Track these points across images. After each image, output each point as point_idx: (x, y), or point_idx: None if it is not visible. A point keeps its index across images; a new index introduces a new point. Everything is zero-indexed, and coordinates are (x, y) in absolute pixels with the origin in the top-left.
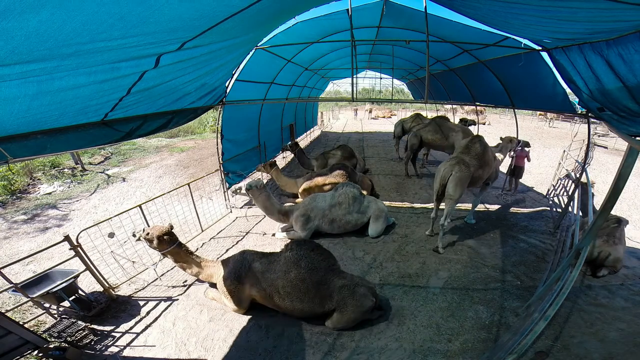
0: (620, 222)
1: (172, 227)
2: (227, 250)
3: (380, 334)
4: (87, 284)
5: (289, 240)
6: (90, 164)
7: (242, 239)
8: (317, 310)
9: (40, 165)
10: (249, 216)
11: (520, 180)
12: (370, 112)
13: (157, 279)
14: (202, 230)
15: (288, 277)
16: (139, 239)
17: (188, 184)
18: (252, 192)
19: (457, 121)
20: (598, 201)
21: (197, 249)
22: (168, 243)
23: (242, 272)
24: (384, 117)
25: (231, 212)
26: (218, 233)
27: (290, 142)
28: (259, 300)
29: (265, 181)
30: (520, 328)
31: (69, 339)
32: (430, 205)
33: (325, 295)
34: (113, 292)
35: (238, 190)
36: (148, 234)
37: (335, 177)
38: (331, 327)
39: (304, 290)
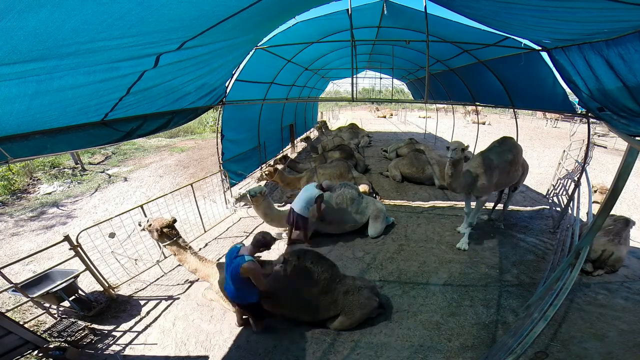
0: (628, 223)
1: (174, 221)
2: None
3: (380, 334)
4: (87, 284)
5: (286, 250)
6: (90, 163)
7: (245, 239)
8: (320, 317)
9: (40, 165)
10: (254, 216)
11: None
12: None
13: (158, 278)
14: (205, 231)
15: (289, 290)
16: (143, 229)
17: (191, 184)
18: (255, 200)
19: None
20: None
21: (199, 249)
22: (168, 236)
23: None
24: (384, 116)
25: (235, 212)
26: (221, 234)
27: (280, 156)
28: None
29: (264, 182)
30: (520, 328)
31: (69, 338)
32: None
33: (329, 303)
34: (113, 292)
35: (242, 198)
36: (151, 225)
37: (335, 169)
38: (333, 327)
39: (306, 301)
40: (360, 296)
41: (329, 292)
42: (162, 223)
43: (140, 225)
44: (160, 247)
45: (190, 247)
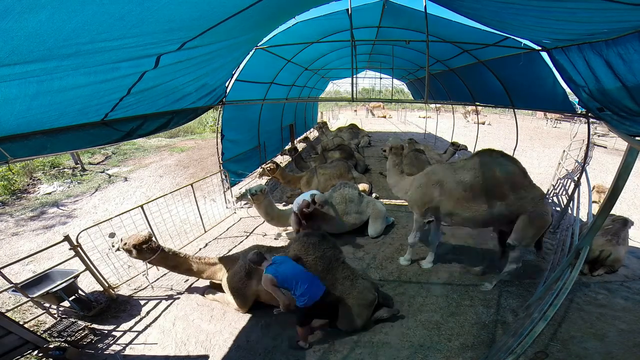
0: (626, 224)
1: (150, 236)
2: (229, 251)
3: (380, 333)
4: (87, 284)
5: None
6: (90, 163)
7: (245, 239)
8: None
9: (40, 165)
10: (255, 216)
11: None
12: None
13: (157, 279)
14: (205, 231)
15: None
16: (117, 249)
17: (191, 184)
18: (257, 198)
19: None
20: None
21: (200, 249)
22: (148, 252)
23: (252, 267)
24: (384, 116)
25: (235, 212)
26: (221, 234)
27: (289, 147)
28: (263, 297)
29: (264, 181)
30: (520, 328)
31: (69, 338)
32: None
33: (329, 285)
34: (113, 292)
35: (242, 197)
36: (125, 244)
37: (335, 169)
38: (342, 327)
39: None
40: (358, 284)
41: (330, 271)
42: (137, 240)
43: (113, 246)
44: (145, 270)
45: (180, 254)
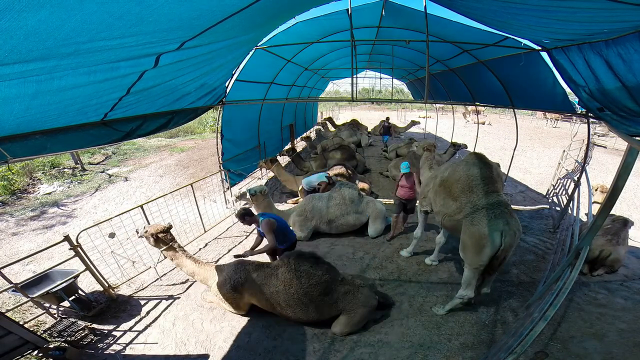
0: (626, 224)
1: (170, 227)
2: (229, 251)
3: (380, 333)
4: (87, 284)
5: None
6: (90, 163)
7: (245, 239)
8: (322, 318)
9: (40, 165)
10: None
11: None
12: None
13: (157, 279)
14: (205, 231)
15: (289, 292)
16: (141, 236)
17: (191, 184)
18: (256, 198)
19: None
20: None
21: (199, 249)
22: (164, 241)
23: (238, 283)
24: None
25: (235, 212)
26: (221, 234)
27: (287, 147)
28: (260, 304)
29: (264, 181)
30: (520, 328)
31: (69, 338)
32: None
33: (330, 303)
34: (113, 292)
35: (242, 196)
36: (146, 231)
37: (334, 173)
38: (339, 332)
39: (306, 303)
40: (360, 295)
41: (329, 294)
42: (157, 229)
43: (137, 232)
44: (155, 264)
45: (186, 252)
